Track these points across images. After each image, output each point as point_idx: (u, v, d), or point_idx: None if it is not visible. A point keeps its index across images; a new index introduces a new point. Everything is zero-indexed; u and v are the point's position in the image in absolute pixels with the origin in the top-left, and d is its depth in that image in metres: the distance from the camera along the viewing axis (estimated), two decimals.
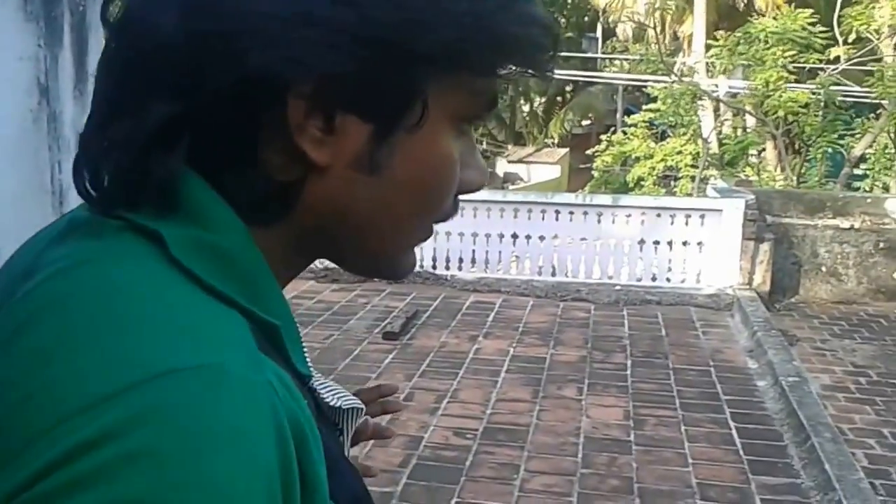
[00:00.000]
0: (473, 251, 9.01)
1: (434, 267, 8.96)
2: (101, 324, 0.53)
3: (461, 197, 0.70)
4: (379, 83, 0.59)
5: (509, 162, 26.69)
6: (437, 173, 0.65)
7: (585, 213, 8.81)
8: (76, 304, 0.54)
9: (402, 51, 0.59)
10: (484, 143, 26.80)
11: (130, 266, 0.57)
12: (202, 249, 0.58)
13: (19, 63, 1.43)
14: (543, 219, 8.88)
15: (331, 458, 0.59)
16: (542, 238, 8.90)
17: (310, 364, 0.65)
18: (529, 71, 0.65)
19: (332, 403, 0.71)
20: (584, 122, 27.40)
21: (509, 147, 27.03)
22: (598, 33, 26.96)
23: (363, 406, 0.78)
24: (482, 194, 11.55)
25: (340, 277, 8.58)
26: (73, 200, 1.53)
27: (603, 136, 20.28)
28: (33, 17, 1.40)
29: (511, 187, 21.37)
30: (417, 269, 8.77)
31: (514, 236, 8.94)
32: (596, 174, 19.98)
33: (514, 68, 0.65)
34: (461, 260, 9.02)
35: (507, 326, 7.49)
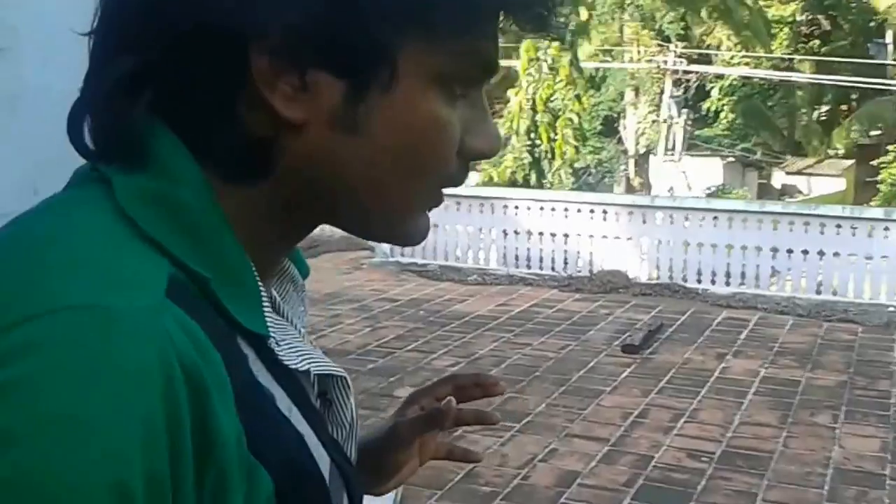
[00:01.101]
0: (728, 264, 8.56)
1: (685, 280, 8.60)
2: (21, 261, 0.55)
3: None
4: (345, 38, 0.60)
5: (787, 173, 25.41)
6: (423, 136, 0.65)
7: (854, 228, 8.11)
8: (9, 243, 0.57)
9: (364, 5, 0.60)
10: (759, 153, 25.65)
11: (75, 211, 0.59)
12: (149, 198, 0.59)
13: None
14: (807, 232, 8.28)
15: (267, 417, 0.60)
16: (805, 252, 8.29)
17: (273, 323, 0.65)
18: (522, 26, 0.65)
19: (295, 366, 0.66)
20: (873, 133, 25.42)
21: (787, 158, 25.73)
22: (889, 38, 25.00)
23: (344, 374, 0.73)
24: (738, 204, 11.02)
25: (583, 287, 8.44)
26: None
27: (891, 147, 18.73)
28: None
29: (788, 200, 20.29)
30: (666, 280, 8.63)
31: (774, 250, 8.40)
32: (883, 188, 18.51)
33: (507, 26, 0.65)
34: (714, 273, 8.59)
35: (760, 345, 7.05)
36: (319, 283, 9.26)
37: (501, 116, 16.48)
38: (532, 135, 16.31)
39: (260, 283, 0.63)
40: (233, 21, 0.58)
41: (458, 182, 0.70)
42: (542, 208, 9.70)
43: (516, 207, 9.88)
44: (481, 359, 6.70)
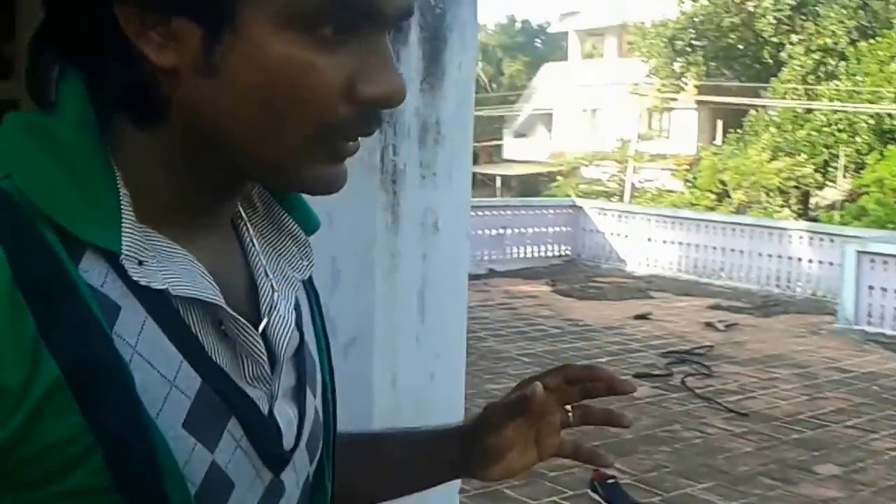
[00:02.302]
0: None
1: None
2: None
3: None
4: None
5: None
6: (279, 78, 0.66)
7: None
8: None
9: None
10: None
11: None
12: (24, 127, 0.69)
13: None
14: None
15: (67, 311, 0.65)
16: None
17: (150, 246, 0.70)
18: None
19: (147, 283, 0.69)
20: None
21: None
22: None
23: (215, 300, 0.72)
24: None
25: None
26: (408, 179, 1.58)
27: None
28: None
29: None
30: None
31: None
32: None
33: None
34: None
35: None
36: (764, 343, 8.79)
37: None
38: None
39: (125, 208, 0.69)
40: None
41: (357, 131, 0.70)
42: None
43: None
44: None
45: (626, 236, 13.34)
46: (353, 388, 1.58)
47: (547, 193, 24.90)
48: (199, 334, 0.72)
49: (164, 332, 0.70)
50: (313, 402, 0.84)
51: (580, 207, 14.15)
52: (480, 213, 13.13)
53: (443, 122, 1.61)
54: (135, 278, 0.69)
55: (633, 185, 26.22)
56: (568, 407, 1.01)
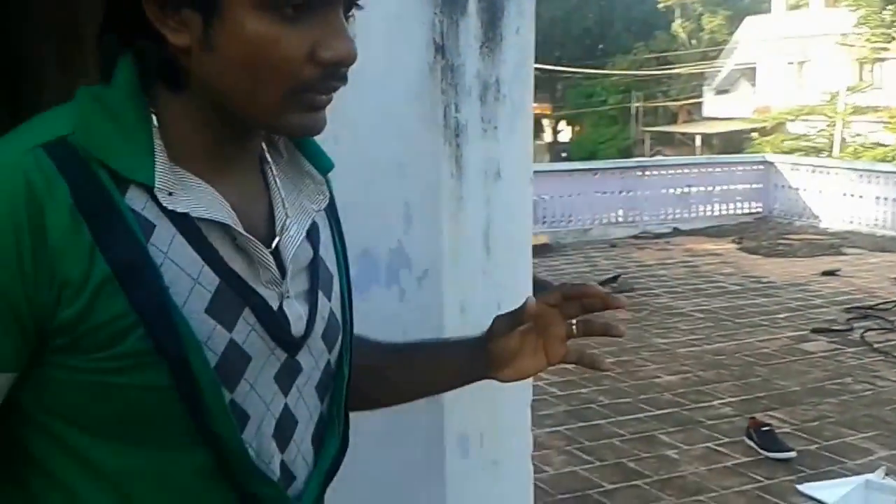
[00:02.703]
0: None
1: None
2: None
3: None
4: None
5: None
6: (255, 49, 0.89)
7: None
8: None
9: None
10: None
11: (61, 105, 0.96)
12: (90, 97, 0.94)
13: (418, 26, 1.82)
14: None
15: (114, 227, 0.88)
16: None
17: (179, 183, 0.92)
18: None
19: (173, 208, 0.92)
20: None
21: None
22: None
23: (226, 221, 0.94)
24: None
25: None
26: (470, 135, 1.88)
27: None
28: None
29: None
30: None
31: None
32: None
33: None
34: None
35: None
36: None
37: None
38: None
39: (158, 153, 0.92)
40: None
41: (326, 86, 0.92)
42: None
43: None
44: None
45: (821, 192, 12.86)
46: (426, 315, 1.84)
47: (751, 150, 24.06)
48: (217, 248, 0.94)
49: (190, 245, 0.92)
50: (327, 304, 1.06)
51: (771, 163, 13.71)
52: (664, 173, 13.05)
53: (502, 82, 1.86)
54: (164, 204, 0.91)
55: (843, 139, 24.91)
56: (573, 321, 1.17)
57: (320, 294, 1.05)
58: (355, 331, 1.16)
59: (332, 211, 1.13)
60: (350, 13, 0.96)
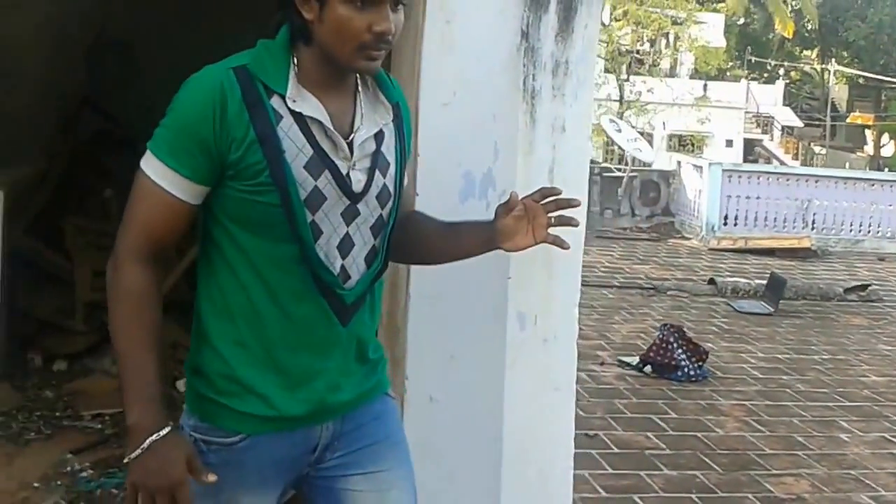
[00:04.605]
0: None
1: None
2: None
3: None
4: None
5: None
6: (338, 23, 1.54)
7: None
8: None
9: None
10: None
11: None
12: (264, 46, 1.62)
13: (511, 18, 2.54)
14: None
15: (267, 122, 1.56)
16: None
17: (299, 95, 1.59)
18: None
19: (293, 107, 1.57)
20: None
21: None
22: None
23: (321, 119, 1.59)
24: None
25: None
26: (544, 99, 2.64)
27: None
28: None
29: None
30: None
31: None
32: None
33: None
34: None
35: None
36: None
37: None
38: None
39: (291, 78, 1.58)
40: None
41: (376, 46, 1.55)
42: None
43: None
44: None
45: None
46: None
47: None
48: (315, 134, 1.58)
49: (301, 131, 1.57)
50: (381, 179, 1.66)
51: None
52: None
53: (570, 62, 2.53)
54: (290, 106, 1.56)
55: None
56: (551, 214, 1.70)
57: (377, 172, 1.66)
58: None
59: (398, 126, 1.72)
60: (398, 5, 1.57)
